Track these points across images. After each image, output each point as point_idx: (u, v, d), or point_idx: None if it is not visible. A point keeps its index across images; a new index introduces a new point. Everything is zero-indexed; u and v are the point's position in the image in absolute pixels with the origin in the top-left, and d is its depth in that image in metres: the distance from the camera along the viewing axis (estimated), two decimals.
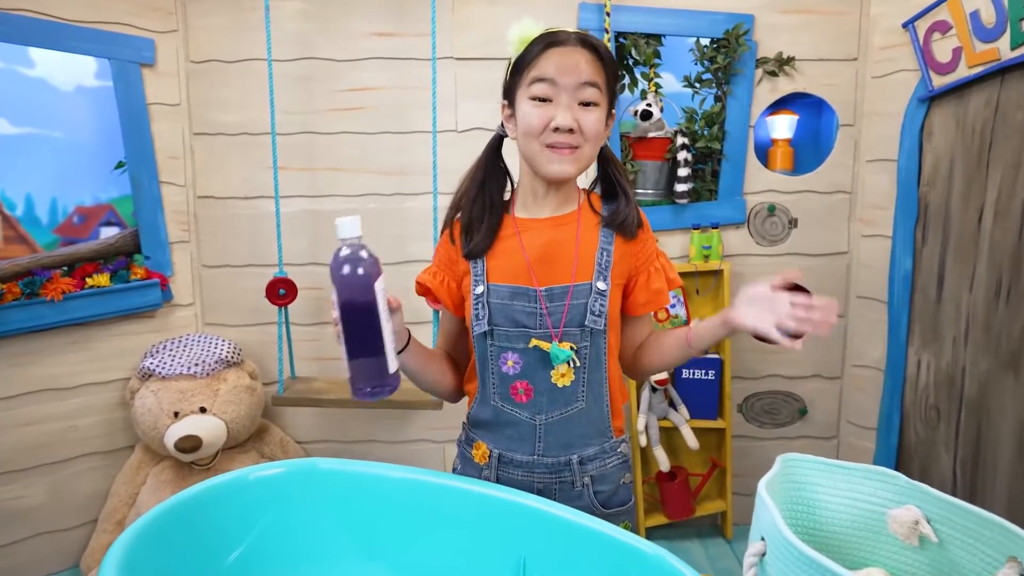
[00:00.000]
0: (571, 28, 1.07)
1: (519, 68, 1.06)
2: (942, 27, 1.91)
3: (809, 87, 2.18)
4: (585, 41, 1.04)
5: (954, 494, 1.99)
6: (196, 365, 2.01)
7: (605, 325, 1.10)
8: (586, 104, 1.04)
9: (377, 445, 2.33)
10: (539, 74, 1.03)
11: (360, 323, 0.87)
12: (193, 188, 2.20)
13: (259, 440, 2.18)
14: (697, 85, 2.21)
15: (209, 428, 1.94)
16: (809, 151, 2.38)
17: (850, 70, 2.18)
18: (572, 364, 1.10)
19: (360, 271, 0.88)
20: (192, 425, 1.92)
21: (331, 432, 2.33)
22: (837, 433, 2.36)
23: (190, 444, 1.88)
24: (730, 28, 2.12)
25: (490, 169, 1.15)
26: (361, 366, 0.89)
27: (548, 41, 1.03)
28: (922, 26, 1.97)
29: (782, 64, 2.15)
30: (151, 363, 2.00)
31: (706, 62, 2.18)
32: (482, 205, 1.14)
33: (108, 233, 2.29)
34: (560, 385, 1.11)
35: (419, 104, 2.12)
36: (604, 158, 1.15)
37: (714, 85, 2.20)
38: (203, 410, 1.97)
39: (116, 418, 2.10)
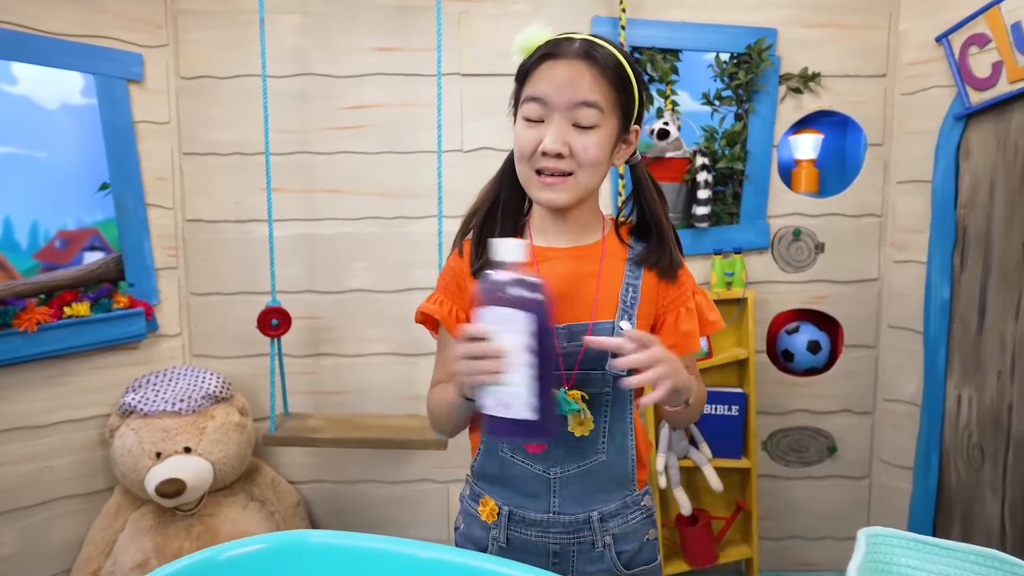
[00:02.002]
0: (582, 34, 0.93)
1: (519, 82, 0.95)
2: (980, 40, 1.79)
3: (835, 104, 2.06)
4: (588, 54, 0.90)
5: (1002, 542, 1.84)
6: (181, 401, 1.86)
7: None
8: (582, 128, 0.91)
9: (376, 486, 2.17)
10: (532, 92, 0.92)
11: (548, 353, 0.81)
12: (182, 211, 2.07)
13: (249, 481, 2.02)
14: (716, 103, 2.10)
15: (194, 470, 1.79)
16: (834, 172, 2.26)
17: (878, 87, 2.06)
18: (583, 415, 0.97)
19: (540, 296, 0.80)
20: (175, 467, 1.77)
21: (326, 471, 2.17)
22: (869, 472, 2.20)
23: (173, 489, 1.73)
24: (752, 43, 2.01)
25: (508, 185, 1.02)
26: (548, 403, 0.82)
27: (544, 53, 0.91)
28: (957, 40, 1.85)
29: (807, 80, 2.04)
30: (132, 399, 1.85)
31: (726, 78, 2.06)
32: (497, 222, 1.01)
33: (92, 258, 2.16)
34: (578, 435, 0.98)
35: (423, 122, 2.00)
36: (637, 182, 1.02)
37: (734, 103, 2.08)
38: (188, 450, 1.82)
39: (94, 458, 1.95)
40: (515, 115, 0.98)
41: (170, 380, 1.93)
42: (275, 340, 1.88)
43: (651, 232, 1.01)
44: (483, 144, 2.06)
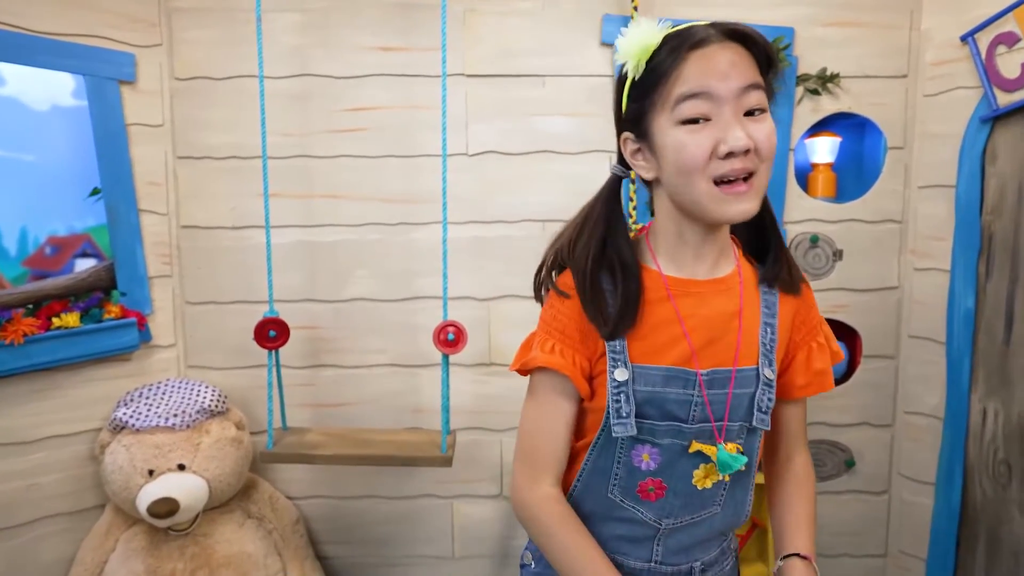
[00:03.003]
0: (708, 20, 0.82)
1: (649, 87, 0.82)
2: (1009, 39, 1.72)
3: (855, 107, 1.99)
4: (735, 33, 0.80)
5: None
6: (175, 416, 1.78)
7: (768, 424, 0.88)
8: (752, 112, 0.80)
9: (378, 501, 2.10)
10: (687, 89, 0.79)
11: None
12: (176, 217, 2.00)
13: (245, 498, 1.94)
14: None
15: (188, 489, 1.71)
16: (851, 177, 2.18)
17: (899, 88, 1.99)
18: (742, 467, 0.87)
19: None
20: (169, 486, 1.69)
21: (327, 487, 2.09)
22: (888, 487, 2.13)
23: (165, 509, 1.65)
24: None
25: (612, 220, 0.89)
26: None
27: (686, 43, 0.79)
28: (984, 39, 1.78)
29: (825, 81, 1.96)
30: (124, 413, 1.78)
31: None
32: (610, 269, 0.88)
33: (84, 265, 2.09)
34: (700, 487, 0.89)
35: (427, 125, 1.92)
36: None
37: None
38: (182, 467, 1.75)
39: (85, 474, 1.87)
40: (638, 135, 0.85)
41: (163, 393, 1.86)
42: (273, 352, 1.81)
43: (769, 244, 0.90)
44: (489, 148, 1.98)
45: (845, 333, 2.10)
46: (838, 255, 2.05)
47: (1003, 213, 1.80)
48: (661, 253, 0.90)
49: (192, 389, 1.87)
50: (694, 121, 0.79)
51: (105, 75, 1.83)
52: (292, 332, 1.87)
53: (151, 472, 1.72)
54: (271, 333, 1.78)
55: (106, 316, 1.86)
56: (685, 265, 0.88)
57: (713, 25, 0.80)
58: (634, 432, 0.86)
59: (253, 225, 1.97)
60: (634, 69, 0.82)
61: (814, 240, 2.04)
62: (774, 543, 0.98)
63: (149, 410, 1.79)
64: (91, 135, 1.88)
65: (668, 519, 0.90)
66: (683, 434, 0.87)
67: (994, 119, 1.79)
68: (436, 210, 1.81)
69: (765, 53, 0.82)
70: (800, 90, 1.98)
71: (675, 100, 0.80)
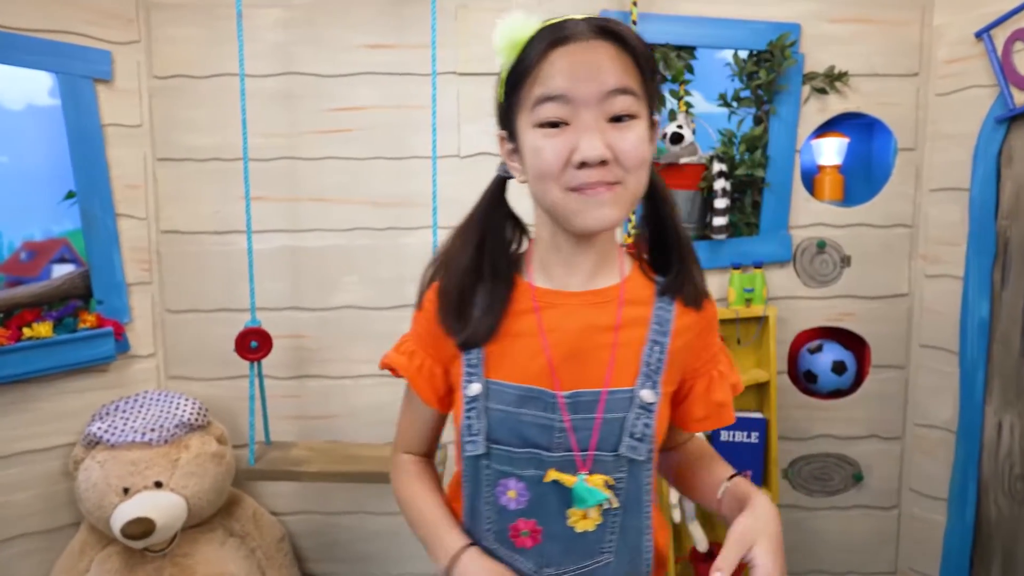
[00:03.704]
0: (579, 15, 0.75)
1: (515, 84, 0.75)
2: None
3: (864, 106, 1.91)
4: (605, 30, 0.72)
5: None
6: (152, 430, 1.70)
7: (649, 453, 0.78)
8: (619, 119, 0.72)
9: (366, 517, 2.02)
10: (545, 90, 0.72)
11: None
12: (156, 221, 1.92)
13: (228, 515, 1.86)
14: (734, 104, 1.94)
15: (165, 507, 1.63)
16: (859, 179, 2.10)
17: (910, 87, 1.91)
18: (609, 504, 0.78)
19: None
20: (144, 504, 1.61)
21: (313, 502, 2.01)
22: (898, 502, 2.05)
23: (140, 530, 1.56)
24: (774, 39, 1.85)
25: (490, 224, 0.82)
26: None
27: (550, 39, 0.72)
28: (1000, 35, 1.70)
29: (833, 80, 1.88)
30: (98, 428, 1.69)
31: (745, 78, 1.91)
32: (478, 275, 0.81)
33: (62, 271, 2.01)
34: (580, 530, 0.79)
35: (417, 126, 1.85)
36: (652, 188, 0.81)
37: (754, 104, 1.93)
38: (159, 485, 1.66)
39: (59, 491, 1.79)
40: (509, 135, 0.79)
41: (141, 407, 1.77)
42: (255, 364, 1.72)
43: (672, 252, 0.82)
44: (482, 149, 1.90)
45: (853, 342, 2.02)
46: (846, 261, 1.97)
47: (1019, 217, 1.72)
48: (535, 263, 0.83)
49: (171, 402, 1.79)
50: (553, 125, 0.72)
51: (79, 73, 1.75)
52: (277, 341, 1.79)
53: (126, 490, 1.64)
54: (252, 344, 1.70)
55: (81, 325, 1.78)
56: (556, 275, 0.81)
57: (588, 20, 0.73)
58: (483, 450, 0.78)
59: (237, 230, 1.89)
60: (506, 63, 0.76)
61: (821, 245, 1.96)
62: (706, 496, 0.87)
63: (125, 424, 1.71)
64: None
65: (549, 569, 0.80)
66: (545, 464, 0.78)
67: (1010, 119, 1.71)
68: (427, 214, 1.73)
69: (645, 54, 0.74)
70: (806, 89, 1.90)
71: (534, 101, 0.73)
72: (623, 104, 0.72)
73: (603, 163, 0.71)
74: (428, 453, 0.95)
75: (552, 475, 0.77)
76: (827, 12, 1.88)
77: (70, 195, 1.85)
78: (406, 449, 0.94)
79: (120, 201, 1.85)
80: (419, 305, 0.87)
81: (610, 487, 0.77)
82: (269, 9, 1.86)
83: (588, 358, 0.78)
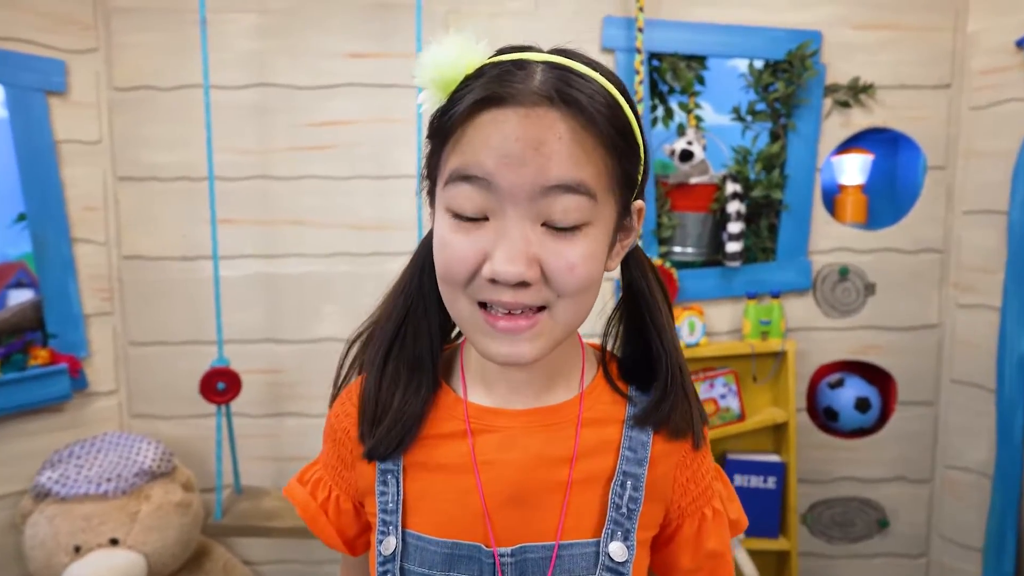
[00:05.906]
0: (542, 52, 0.54)
1: (438, 135, 0.55)
2: None
3: (890, 121, 1.76)
4: (561, 94, 0.51)
5: None
6: (108, 480, 1.54)
7: None
8: (561, 229, 0.52)
9: None
10: (463, 165, 0.52)
11: None
12: (117, 246, 1.76)
13: (196, 567, 1.70)
14: (749, 118, 1.79)
15: (120, 568, 1.47)
16: (884, 200, 1.95)
17: (942, 99, 1.76)
18: None
19: None
20: (97, 566, 1.46)
21: (291, 551, 1.85)
22: (927, 551, 1.89)
23: None
24: (793, 48, 1.69)
25: (418, 300, 0.63)
26: None
27: (483, 94, 0.51)
28: None
29: (857, 92, 1.73)
30: (48, 478, 1.53)
31: (761, 90, 1.75)
32: (396, 369, 0.62)
33: (20, 297, 1.85)
34: None
35: (403, 141, 1.70)
36: (632, 283, 0.63)
37: (770, 118, 1.77)
38: (115, 542, 1.50)
39: (5, 544, 1.63)
40: (431, 196, 0.59)
41: (98, 451, 1.61)
42: (223, 407, 1.56)
43: (658, 367, 0.61)
44: None
45: (878, 377, 1.87)
46: (870, 289, 1.82)
47: None
48: (470, 369, 0.63)
49: (131, 447, 1.63)
50: (464, 218, 0.53)
51: (28, 85, 1.59)
52: (251, 377, 1.65)
53: (77, 548, 1.48)
54: (220, 386, 1.54)
55: (32, 363, 1.62)
56: (496, 389, 0.62)
57: (547, 69, 0.52)
58: None
59: (205, 255, 1.73)
60: (429, 104, 0.56)
61: (843, 272, 1.80)
62: None
63: (78, 473, 1.55)
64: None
65: None
66: None
67: None
68: (413, 238, 1.61)
69: (614, 127, 0.52)
70: (828, 102, 1.76)
71: (449, 174, 0.53)
72: (566, 206, 0.51)
73: (523, 284, 0.52)
74: None
75: None
76: (850, 18, 1.73)
77: (21, 218, 1.70)
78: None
79: (77, 224, 1.69)
80: (330, 408, 0.67)
81: None
82: (242, 15, 1.71)
83: (536, 501, 0.59)
